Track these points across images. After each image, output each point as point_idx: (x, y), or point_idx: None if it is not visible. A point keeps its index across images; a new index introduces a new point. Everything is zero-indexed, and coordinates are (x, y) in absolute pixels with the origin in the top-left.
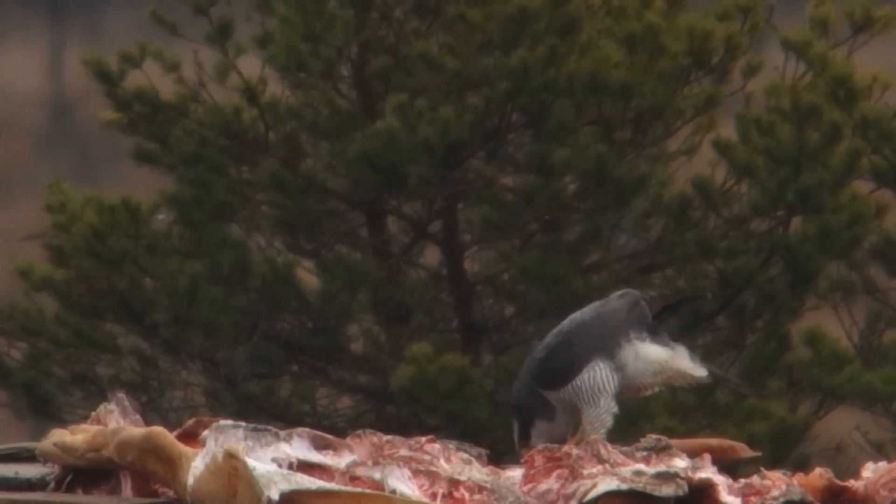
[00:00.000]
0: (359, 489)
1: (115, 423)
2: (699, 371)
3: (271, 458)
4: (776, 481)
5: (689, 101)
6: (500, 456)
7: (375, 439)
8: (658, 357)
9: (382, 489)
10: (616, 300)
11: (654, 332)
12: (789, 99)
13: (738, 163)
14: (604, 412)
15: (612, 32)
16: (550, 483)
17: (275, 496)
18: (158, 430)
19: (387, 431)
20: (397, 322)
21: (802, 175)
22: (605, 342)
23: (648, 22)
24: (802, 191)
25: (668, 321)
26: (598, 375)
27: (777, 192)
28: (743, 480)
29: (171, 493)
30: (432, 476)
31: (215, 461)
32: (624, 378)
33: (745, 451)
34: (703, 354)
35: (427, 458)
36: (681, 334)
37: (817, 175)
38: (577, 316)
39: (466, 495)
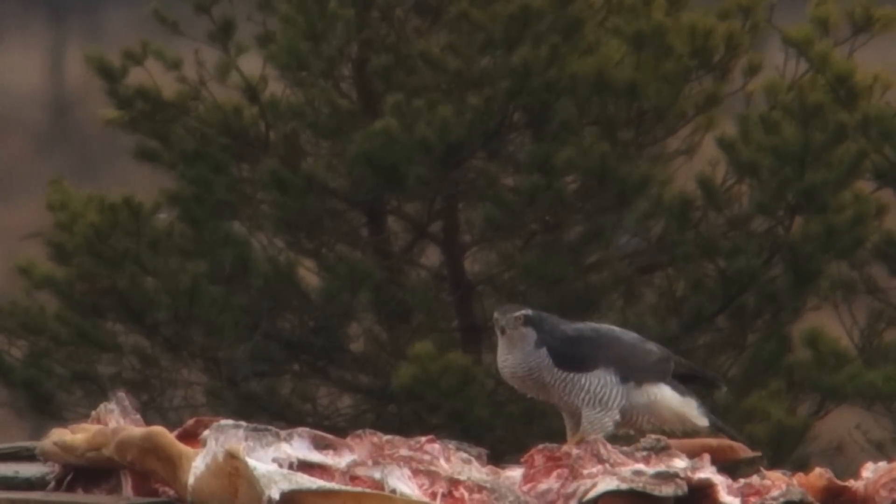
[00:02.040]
0: (359, 489)
1: (116, 422)
2: (702, 421)
3: (272, 458)
4: (776, 481)
5: (689, 99)
6: (500, 455)
7: (375, 439)
8: (670, 402)
9: (382, 489)
10: (654, 345)
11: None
12: (795, 97)
13: (741, 161)
14: (605, 416)
15: (618, 31)
16: (550, 482)
17: (275, 496)
18: (158, 429)
19: (387, 431)
20: (398, 322)
21: (807, 174)
22: (624, 366)
23: (656, 21)
24: (807, 190)
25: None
26: (605, 386)
27: (779, 190)
28: (742, 480)
29: (171, 492)
30: (432, 476)
31: (216, 461)
32: (627, 406)
33: (744, 452)
34: (704, 360)
35: (427, 457)
36: (682, 334)
37: (822, 174)
38: (617, 330)
39: (466, 495)
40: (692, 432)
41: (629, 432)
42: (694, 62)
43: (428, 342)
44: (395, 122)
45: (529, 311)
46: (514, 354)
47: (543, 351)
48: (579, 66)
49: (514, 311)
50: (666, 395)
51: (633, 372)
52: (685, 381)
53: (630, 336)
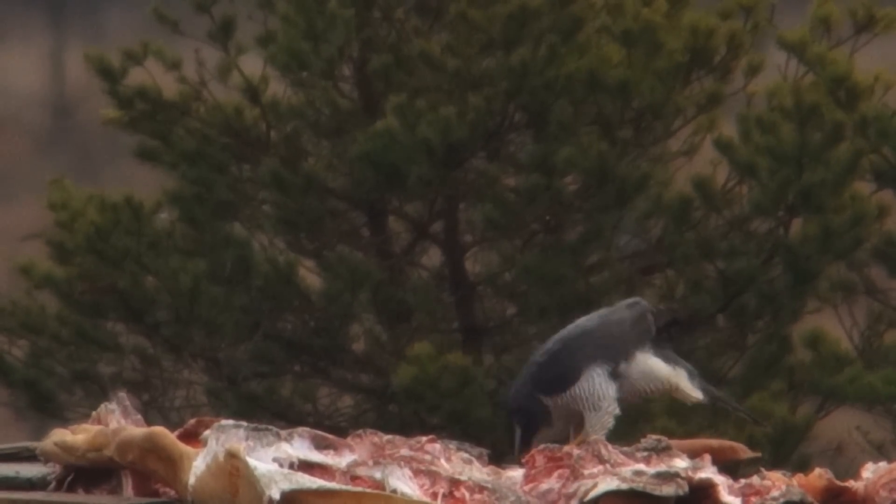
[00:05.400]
0: (359, 489)
1: (117, 422)
2: (696, 393)
3: (272, 458)
4: (776, 482)
5: (690, 99)
6: (500, 456)
7: (376, 439)
8: (659, 373)
9: (383, 489)
10: (624, 310)
11: (658, 345)
12: (792, 98)
13: (739, 162)
14: (605, 415)
15: (609, 30)
16: (551, 483)
17: (276, 495)
18: (159, 429)
19: (388, 431)
20: (399, 322)
21: (804, 174)
22: (606, 352)
23: (646, 19)
24: (804, 190)
25: (672, 335)
26: (596, 383)
27: (778, 191)
28: (743, 481)
29: (172, 492)
30: (433, 476)
31: (216, 461)
32: (623, 386)
33: (745, 452)
34: (704, 362)
35: (428, 457)
36: (682, 336)
37: (819, 174)
38: (582, 321)
39: (467, 495)
40: (692, 405)
41: (636, 401)
42: (686, 58)
43: (427, 342)
44: (397, 123)
45: (517, 433)
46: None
47: (542, 405)
48: (575, 65)
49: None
50: (657, 366)
51: (617, 350)
52: (678, 327)
53: (595, 319)
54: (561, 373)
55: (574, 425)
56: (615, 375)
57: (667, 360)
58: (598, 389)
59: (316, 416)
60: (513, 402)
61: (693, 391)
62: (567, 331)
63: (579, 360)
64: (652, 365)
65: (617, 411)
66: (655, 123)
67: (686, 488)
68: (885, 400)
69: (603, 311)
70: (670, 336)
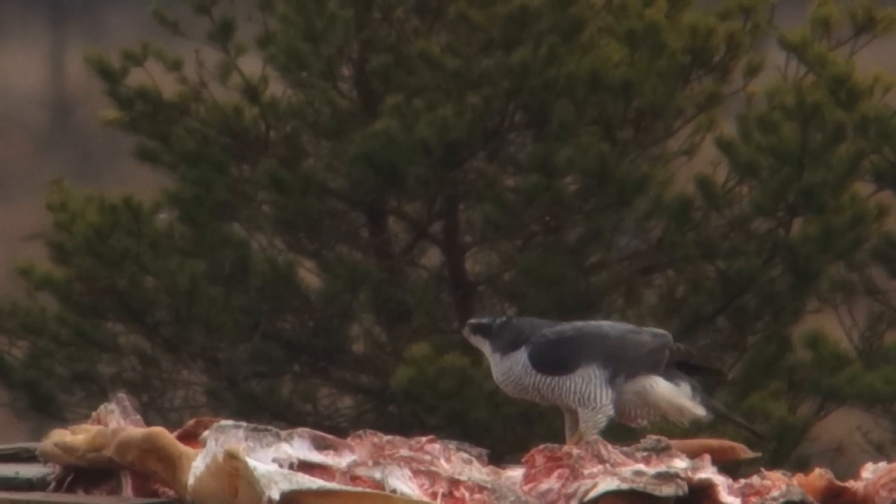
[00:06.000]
0: (359, 489)
1: (116, 423)
2: (698, 410)
3: (272, 459)
4: (776, 481)
5: (690, 99)
6: (500, 456)
7: (376, 439)
8: (663, 393)
9: (383, 489)
10: (648, 335)
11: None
12: (793, 97)
13: (740, 161)
14: (598, 414)
15: (612, 31)
16: (551, 483)
17: (276, 496)
18: (159, 430)
19: (388, 431)
20: (398, 322)
21: (805, 174)
22: (610, 361)
23: (649, 20)
24: (805, 190)
25: (677, 371)
26: (591, 384)
27: (779, 191)
28: (743, 481)
29: (171, 493)
30: (433, 476)
31: (216, 461)
32: (619, 401)
33: (744, 452)
34: (704, 386)
35: (427, 457)
36: (683, 335)
37: (820, 174)
38: (604, 325)
39: (467, 495)
40: (693, 422)
41: (631, 426)
42: (688, 59)
43: (425, 344)
44: (395, 123)
45: (484, 320)
46: (491, 363)
47: (518, 357)
48: (576, 65)
49: (475, 320)
50: (659, 387)
51: (623, 366)
52: (690, 370)
53: (619, 329)
54: (560, 358)
55: (570, 422)
56: (612, 385)
57: (669, 377)
58: (592, 389)
59: (315, 416)
60: (498, 325)
61: (695, 408)
62: (588, 325)
63: (582, 357)
64: (653, 384)
65: (611, 413)
66: (656, 123)
67: (686, 488)
68: (884, 399)
69: (630, 326)
70: (676, 372)
